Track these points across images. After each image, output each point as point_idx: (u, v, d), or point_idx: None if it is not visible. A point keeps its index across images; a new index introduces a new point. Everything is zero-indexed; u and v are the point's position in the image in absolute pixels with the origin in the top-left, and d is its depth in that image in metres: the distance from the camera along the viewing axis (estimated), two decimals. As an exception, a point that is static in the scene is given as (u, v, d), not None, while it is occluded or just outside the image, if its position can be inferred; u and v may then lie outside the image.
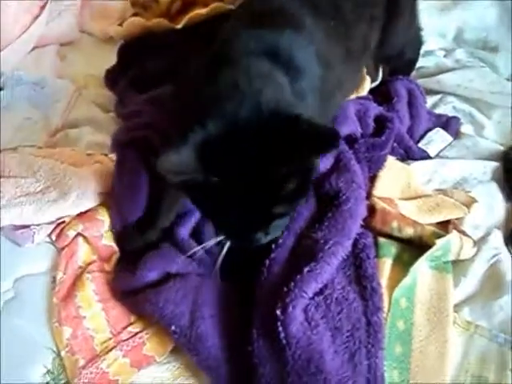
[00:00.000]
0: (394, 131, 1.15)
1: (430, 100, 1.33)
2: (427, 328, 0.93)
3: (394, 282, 0.97)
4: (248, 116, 0.79)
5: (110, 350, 0.96)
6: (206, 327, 0.92)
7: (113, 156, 1.14)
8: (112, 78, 1.33)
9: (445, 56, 1.42)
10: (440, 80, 1.33)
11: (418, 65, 1.36)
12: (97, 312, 1.00)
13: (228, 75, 0.86)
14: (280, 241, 0.97)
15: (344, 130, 1.11)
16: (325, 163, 1.08)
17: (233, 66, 0.88)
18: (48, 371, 0.95)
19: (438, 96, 1.34)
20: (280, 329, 0.85)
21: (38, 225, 1.07)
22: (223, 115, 0.80)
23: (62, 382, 0.94)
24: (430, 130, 1.26)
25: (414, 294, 0.97)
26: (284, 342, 0.85)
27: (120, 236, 1.08)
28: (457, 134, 1.26)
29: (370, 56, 1.19)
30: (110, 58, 1.35)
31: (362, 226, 1.01)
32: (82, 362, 0.95)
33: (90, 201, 1.09)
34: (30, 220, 1.07)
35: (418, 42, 1.32)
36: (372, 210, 1.04)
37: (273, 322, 0.86)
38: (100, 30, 1.44)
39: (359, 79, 1.23)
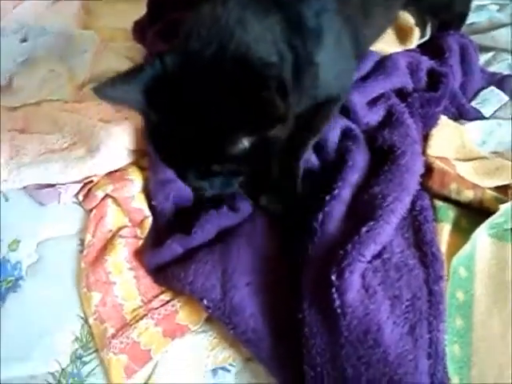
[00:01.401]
0: (449, 87, 1.04)
1: (483, 57, 1.19)
2: (489, 300, 0.82)
3: (453, 250, 0.86)
4: (209, 60, 0.72)
5: (141, 318, 0.87)
6: (241, 297, 0.82)
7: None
8: (140, 29, 1.21)
9: (498, 10, 1.28)
10: (494, 36, 1.20)
11: (468, 20, 1.23)
12: (128, 279, 0.91)
13: (207, 13, 0.78)
14: (335, 192, 0.86)
15: (395, 82, 1.00)
16: (375, 116, 0.98)
17: (217, 4, 0.78)
18: (76, 338, 0.87)
19: (491, 53, 1.20)
20: (335, 296, 0.74)
21: (64, 184, 0.98)
22: (183, 53, 0.74)
23: (92, 350, 0.86)
24: (483, 88, 1.14)
25: (473, 264, 0.86)
26: (339, 311, 0.74)
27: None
28: (512, 93, 1.14)
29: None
30: (138, 11, 1.24)
31: (419, 185, 0.90)
32: (111, 331, 0.86)
33: (119, 159, 0.99)
34: (56, 179, 0.98)
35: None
36: (429, 169, 0.93)
37: (327, 289, 0.75)
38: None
39: (394, 17, 1.11)
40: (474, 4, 1.23)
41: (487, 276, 0.85)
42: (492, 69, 1.19)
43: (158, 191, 0.95)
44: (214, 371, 0.84)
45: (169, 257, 0.90)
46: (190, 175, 0.79)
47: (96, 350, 0.85)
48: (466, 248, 0.85)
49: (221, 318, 0.83)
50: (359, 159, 0.92)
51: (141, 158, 1.01)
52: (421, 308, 0.77)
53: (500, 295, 0.83)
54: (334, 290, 0.75)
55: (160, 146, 0.78)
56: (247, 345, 0.82)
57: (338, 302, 0.74)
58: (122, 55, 1.16)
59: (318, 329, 0.76)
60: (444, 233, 0.87)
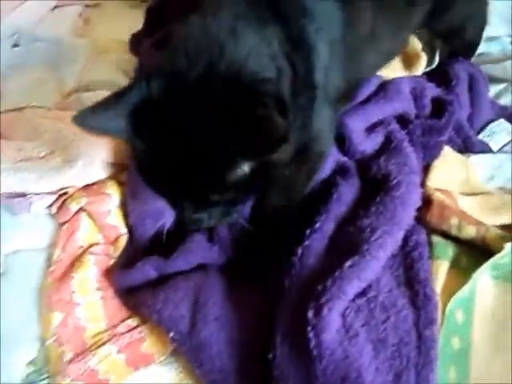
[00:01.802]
0: (454, 116, 0.96)
1: (494, 89, 1.12)
2: (489, 349, 0.73)
3: (450, 291, 0.77)
4: (197, 80, 0.64)
5: (103, 344, 0.78)
6: (209, 332, 0.74)
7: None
8: (138, 42, 1.15)
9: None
10: (506, 67, 1.13)
11: (480, 50, 1.16)
12: (93, 300, 0.82)
13: (195, 25, 0.69)
14: (317, 225, 0.78)
15: (396, 107, 0.92)
16: (372, 143, 0.90)
17: (207, 15, 0.70)
18: (31, 361, 0.78)
19: (503, 85, 1.12)
20: (311, 335, 0.66)
21: (38, 194, 0.91)
22: (169, 73, 0.65)
23: (45, 375, 0.77)
24: (492, 121, 1.06)
25: (473, 307, 0.76)
26: (315, 352, 0.65)
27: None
28: (523, 128, 1.06)
29: (421, 20, 0.97)
30: (137, 24, 1.18)
31: (414, 220, 0.81)
32: (69, 356, 0.78)
33: (97, 172, 0.92)
34: (31, 188, 0.90)
35: (481, 19, 1.10)
36: (428, 201, 0.85)
37: (302, 327, 0.67)
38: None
39: (405, 42, 1.03)
40: (486, 35, 1.16)
41: (488, 322, 0.75)
42: (503, 101, 1.11)
43: (135, 210, 0.88)
44: (178, 408, 0.75)
45: (141, 280, 0.82)
46: (186, 208, 0.71)
47: (49, 376, 0.77)
48: (465, 289, 0.76)
49: (186, 354, 0.75)
50: (347, 192, 0.84)
51: (120, 172, 0.93)
52: (408, 354, 0.68)
53: (502, 344, 0.73)
54: (309, 328, 0.66)
55: (150, 177, 0.70)
56: None
57: (313, 342, 0.66)
58: (115, 67, 1.10)
59: (289, 372, 0.68)
60: (440, 271, 0.78)
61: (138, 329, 0.80)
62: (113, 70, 1.09)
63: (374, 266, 0.72)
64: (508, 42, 1.21)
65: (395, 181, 0.82)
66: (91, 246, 0.87)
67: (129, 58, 1.14)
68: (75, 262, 0.85)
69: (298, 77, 0.72)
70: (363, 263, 0.71)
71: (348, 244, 0.75)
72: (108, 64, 1.10)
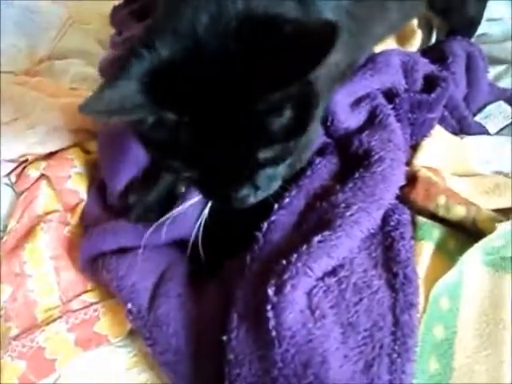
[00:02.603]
0: (447, 93, 0.86)
1: (493, 70, 1.02)
2: (476, 341, 0.63)
3: (434, 275, 0.67)
4: (209, 26, 0.53)
5: (54, 320, 0.70)
6: (168, 309, 0.67)
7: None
8: (118, 13, 1.08)
9: (513, 24, 1.12)
10: (507, 47, 1.03)
11: (480, 30, 1.07)
12: (46, 271, 0.75)
13: None
14: (285, 201, 0.70)
15: (384, 80, 0.82)
16: (356, 120, 0.80)
17: None
18: (-28, 340, 0.70)
19: (503, 66, 1.03)
20: (270, 314, 0.57)
21: (-3, 161, 0.83)
22: (174, 28, 0.54)
23: (-13, 353, 0.69)
24: (490, 103, 0.96)
25: (459, 294, 0.66)
26: (273, 333, 0.56)
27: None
28: (523, 111, 0.96)
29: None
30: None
31: (397, 198, 0.72)
32: (15, 331, 0.70)
33: (61, 138, 0.84)
34: (-12, 154, 0.83)
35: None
36: (413, 179, 0.75)
37: (262, 306, 0.58)
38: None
39: (409, 16, 0.94)
40: (487, 16, 1.07)
41: (476, 312, 0.66)
42: (503, 84, 1.01)
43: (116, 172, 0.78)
44: (127, 394, 0.66)
45: (111, 246, 0.73)
46: (232, 181, 0.59)
47: (-10, 355, 0.69)
48: (452, 274, 0.66)
49: (141, 330, 0.67)
50: (321, 168, 0.75)
51: (85, 140, 0.85)
52: (382, 341, 0.59)
53: (490, 336, 0.63)
54: (269, 306, 0.58)
55: (182, 156, 0.57)
56: (165, 368, 0.65)
57: (272, 322, 0.57)
58: (92, 37, 1.02)
59: (245, 356, 0.59)
60: (424, 253, 0.68)
61: (94, 306, 0.73)
62: (88, 40, 1.02)
63: (346, 244, 0.63)
64: (510, 23, 1.11)
65: (377, 156, 0.73)
66: (48, 214, 0.79)
67: (107, 30, 1.07)
68: (30, 231, 0.78)
69: None
70: (334, 239, 0.62)
71: (319, 219, 0.66)
72: (84, 33, 1.03)
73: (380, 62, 0.84)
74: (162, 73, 0.52)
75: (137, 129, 0.58)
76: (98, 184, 0.82)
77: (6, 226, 0.80)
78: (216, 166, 0.56)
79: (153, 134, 0.56)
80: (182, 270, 0.72)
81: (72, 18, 1.04)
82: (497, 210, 0.75)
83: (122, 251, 0.72)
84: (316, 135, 0.77)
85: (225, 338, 0.60)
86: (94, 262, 0.73)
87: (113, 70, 0.55)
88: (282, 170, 0.62)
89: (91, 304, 0.73)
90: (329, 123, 0.79)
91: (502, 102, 0.96)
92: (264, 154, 0.56)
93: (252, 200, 0.61)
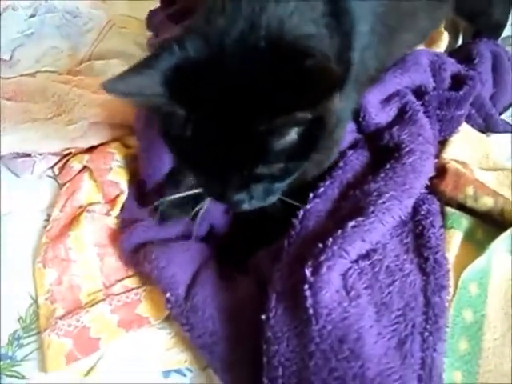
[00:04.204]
0: (475, 91, 0.90)
1: (520, 72, 1.06)
2: (504, 325, 0.67)
3: (463, 263, 0.71)
4: (239, 40, 0.57)
5: (98, 302, 0.75)
6: (204, 296, 0.70)
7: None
8: (154, 18, 1.13)
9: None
10: (533, 49, 1.07)
11: (505, 33, 1.10)
12: (90, 257, 0.79)
13: None
14: (320, 190, 0.74)
15: (414, 78, 0.86)
16: (387, 116, 0.84)
17: None
18: (20, 318, 0.75)
19: (530, 68, 1.07)
20: (307, 293, 0.61)
21: (41, 154, 0.89)
22: (205, 34, 0.58)
23: (33, 332, 0.74)
24: (516, 103, 1.00)
25: (487, 281, 0.70)
26: (311, 311, 0.60)
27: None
28: (548, 113, 0.99)
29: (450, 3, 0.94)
30: (154, 3, 1.16)
31: (426, 190, 0.76)
32: (60, 312, 0.74)
33: (103, 133, 0.89)
34: (34, 148, 0.89)
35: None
36: (442, 171, 0.79)
37: (299, 286, 0.62)
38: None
39: (438, 23, 0.98)
40: (512, 19, 1.10)
41: (504, 297, 0.69)
42: (529, 85, 1.04)
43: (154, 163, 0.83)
44: (166, 373, 0.71)
45: (152, 238, 0.78)
46: (228, 185, 0.62)
47: (38, 333, 0.73)
48: (481, 261, 0.70)
49: (179, 317, 0.71)
50: (354, 160, 0.79)
51: (125, 135, 0.90)
52: (414, 320, 0.62)
53: (515, 324, 0.67)
54: (306, 286, 0.61)
55: (187, 150, 0.61)
56: (202, 350, 0.69)
57: (310, 301, 0.61)
58: (129, 39, 1.08)
59: (283, 333, 0.63)
60: (454, 241, 0.72)
61: (135, 291, 0.77)
62: (127, 42, 1.07)
63: (379, 229, 0.67)
64: (536, 26, 1.14)
65: (407, 148, 0.77)
66: (90, 205, 0.84)
67: (144, 34, 1.12)
68: (73, 221, 0.83)
69: (334, 52, 0.66)
70: (368, 225, 0.66)
71: (352, 206, 0.70)
72: (122, 36, 1.08)
73: (409, 61, 0.88)
74: (184, 70, 0.56)
75: (154, 115, 0.63)
76: (137, 180, 0.87)
77: (49, 215, 0.85)
78: (214, 168, 0.60)
79: (165, 124, 0.61)
80: (215, 263, 0.76)
81: (111, 22, 1.10)
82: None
83: (162, 243, 0.77)
84: (342, 135, 0.80)
85: (263, 316, 0.64)
86: (136, 254, 0.77)
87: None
88: (280, 186, 0.65)
89: (132, 289, 0.76)
90: (360, 119, 0.83)
91: (528, 103, 0.99)
92: (261, 171, 0.60)
93: (246, 206, 0.64)
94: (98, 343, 0.72)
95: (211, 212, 0.78)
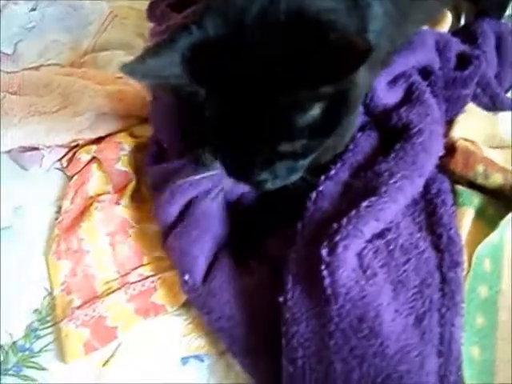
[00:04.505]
0: (480, 70, 0.90)
1: (523, 49, 1.06)
2: (518, 301, 0.68)
3: (476, 240, 0.71)
4: (259, 16, 0.56)
5: (113, 291, 0.75)
6: (221, 280, 0.71)
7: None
8: (155, 8, 1.13)
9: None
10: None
11: (508, 11, 1.10)
12: (103, 247, 0.80)
13: None
14: (331, 172, 0.74)
15: (419, 58, 0.86)
16: (394, 97, 0.84)
17: None
18: (36, 310, 0.76)
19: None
20: (325, 273, 0.61)
21: (48, 147, 0.89)
22: (225, 12, 0.57)
23: (49, 324, 0.74)
24: (520, 81, 1.00)
25: (501, 256, 0.71)
26: (329, 291, 0.61)
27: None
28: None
29: None
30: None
31: (436, 167, 0.76)
32: (77, 303, 0.75)
33: (110, 123, 0.90)
34: (41, 141, 0.89)
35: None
36: (451, 149, 0.79)
37: (315, 266, 0.62)
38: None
39: (445, 4, 0.97)
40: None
41: (516, 272, 0.70)
42: (534, 64, 1.04)
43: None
44: (185, 359, 0.72)
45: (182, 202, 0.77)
46: (252, 164, 0.61)
47: (54, 324, 0.74)
48: (494, 237, 0.71)
49: (196, 301, 0.72)
50: (363, 142, 0.79)
51: (134, 125, 0.91)
52: (431, 296, 0.63)
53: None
54: (323, 266, 0.62)
55: (208, 132, 0.60)
56: (220, 334, 0.70)
57: (328, 281, 0.61)
58: (131, 30, 1.07)
59: (302, 314, 0.63)
60: (466, 218, 0.73)
61: (150, 278, 0.77)
62: (129, 33, 1.07)
63: (392, 208, 0.67)
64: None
65: (416, 129, 0.77)
66: (100, 195, 0.84)
67: (146, 24, 1.12)
68: (84, 211, 0.83)
69: (353, 29, 0.64)
70: (381, 204, 0.66)
71: (364, 187, 0.70)
72: (124, 27, 1.08)
73: (415, 42, 0.88)
74: (203, 49, 0.55)
75: (172, 96, 0.61)
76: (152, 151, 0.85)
77: (59, 207, 0.85)
78: (237, 148, 0.59)
79: (185, 106, 0.60)
80: (230, 249, 0.76)
81: (113, 13, 1.10)
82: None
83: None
84: (357, 117, 0.80)
85: (281, 299, 0.65)
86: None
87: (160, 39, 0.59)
88: (303, 164, 0.64)
89: (147, 277, 0.77)
90: (368, 101, 0.83)
91: (534, 80, 0.99)
92: (284, 148, 0.59)
93: (270, 186, 0.63)
94: (116, 332, 0.72)
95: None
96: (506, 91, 0.98)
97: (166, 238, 0.75)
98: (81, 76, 0.94)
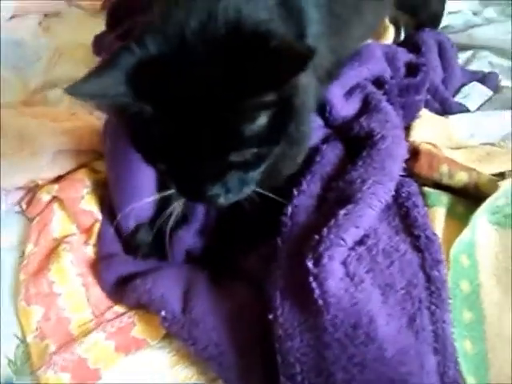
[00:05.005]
0: (429, 76, 0.94)
1: (462, 56, 1.11)
2: (498, 290, 0.69)
3: (450, 238, 0.73)
4: (198, 31, 0.57)
5: (90, 332, 0.72)
6: (202, 307, 0.70)
7: (99, 113, 0.93)
8: (101, 42, 1.12)
9: (474, 14, 1.22)
10: (471, 34, 1.12)
11: (444, 23, 1.16)
12: (75, 288, 0.77)
13: None
14: (303, 186, 0.75)
15: (371, 69, 0.90)
16: (352, 107, 0.87)
17: None
18: (9, 362, 0.71)
19: (470, 51, 1.12)
20: (314, 285, 0.61)
21: (6, 190, 0.85)
22: (165, 30, 0.58)
23: (27, 373, 0.70)
24: (464, 85, 1.05)
25: (475, 251, 0.72)
26: (320, 302, 0.60)
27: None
28: (496, 89, 1.05)
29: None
30: (99, 29, 1.14)
31: (403, 172, 0.78)
32: (53, 348, 0.71)
33: (68, 161, 0.87)
34: (-2, 184, 0.85)
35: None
36: (415, 153, 0.82)
37: (303, 279, 0.62)
38: (90, 2, 1.24)
39: (382, 17, 1.03)
40: (448, 10, 1.17)
41: (493, 265, 0.72)
42: (472, 67, 1.10)
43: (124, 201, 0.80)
44: (175, 391, 0.68)
45: (131, 270, 0.77)
46: (203, 178, 0.61)
47: (31, 373, 0.69)
48: (466, 234, 0.73)
49: (179, 333, 0.70)
50: (329, 154, 0.81)
51: (94, 160, 0.88)
52: (419, 296, 0.64)
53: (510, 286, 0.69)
54: (311, 278, 0.62)
55: (157, 149, 0.60)
56: (210, 363, 0.68)
57: (318, 292, 0.61)
58: (80, 65, 1.05)
59: (294, 329, 0.63)
60: (438, 217, 0.75)
61: (127, 314, 0.74)
62: (78, 69, 1.04)
63: (369, 214, 0.68)
64: (470, 14, 1.22)
65: (379, 135, 0.79)
66: (65, 237, 0.81)
67: (92, 58, 1.11)
68: (50, 254, 0.80)
69: (291, 37, 0.67)
70: (358, 210, 0.67)
71: (340, 196, 0.72)
72: (72, 62, 1.06)
73: (364, 54, 0.92)
74: (146, 67, 0.56)
75: (119, 117, 0.62)
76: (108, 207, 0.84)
77: (23, 252, 0.81)
78: (187, 162, 0.60)
79: (132, 123, 0.60)
80: (205, 274, 0.75)
81: (59, 50, 1.07)
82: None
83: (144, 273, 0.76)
84: (310, 127, 0.81)
85: (270, 316, 0.64)
86: (118, 287, 0.76)
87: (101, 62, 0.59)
88: (254, 175, 0.65)
89: (124, 313, 0.74)
90: (327, 114, 0.85)
91: (475, 83, 1.04)
92: (235, 158, 0.60)
93: (222, 201, 0.63)
94: (99, 373, 0.69)
95: (184, 239, 0.78)
96: (453, 96, 1.04)
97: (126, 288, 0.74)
98: (35, 115, 0.91)
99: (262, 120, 0.59)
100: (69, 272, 0.77)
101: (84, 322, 0.74)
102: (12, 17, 1.17)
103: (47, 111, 0.93)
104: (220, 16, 0.58)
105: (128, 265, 0.78)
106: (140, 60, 0.56)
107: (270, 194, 0.70)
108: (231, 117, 0.56)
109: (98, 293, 0.76)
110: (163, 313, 0.70)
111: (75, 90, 0.55)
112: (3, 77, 1.01)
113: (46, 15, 1.20)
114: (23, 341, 0.73)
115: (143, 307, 0.73)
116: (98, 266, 0.79)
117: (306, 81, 0.70)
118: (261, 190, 0.69)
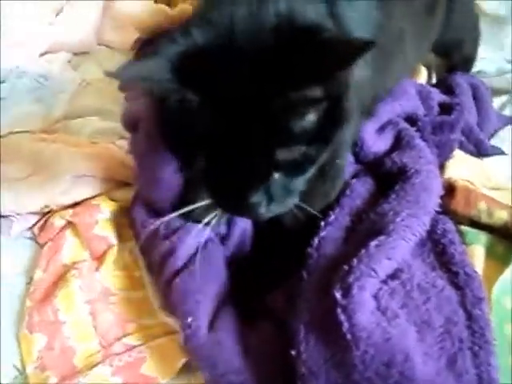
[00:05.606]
0: (464, 115, 0.92)
1: (497, 101, 1.09)
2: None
3: (491, 278, 0.68)
4: (247, 21, 0.57)
5: (96, 365, 0.67)
6: (228, 332, 0.65)
7: (121, 143, 0.92)
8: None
9: (507, 62, 1.20)
10: (505, 78, 1.11)
11: (475, 68, 1.15)
12: (82, 316, 0.73)
13: None
14: (331, 218, 0.71)
15: (404, 106, 0.87)
16: (384, 144, 0.84)
17: None
18: (7, 392, 0.66)
19: (505, 96, 1.10)
20: (342, 318, 0.56)
21: (18, 214, 0.83)
22: (212, 20, 0.58)
23: (23, 406, 0.65)
24: (499, 129, 1.02)
25: (519, 293, 0.68)
26: (349, 336, 0.55)
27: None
28: (534, 135, 1.02)
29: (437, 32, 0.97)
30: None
31: (439, 208, 0.74)
32: (53, 380, 0.66)
33: (86, 188, 0.85)
34: (8, 209, 0.83)
35: (476, 31, 1.10)
36: (450, 190, 0.78)
37: (330, 312, 0.57)
38: (119, 41, 1.25)
39: (422, 57, 1.01)
40: (479, 56, 1.16)
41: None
42: (507, 112, 1.07)
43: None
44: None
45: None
46: (248, 181, 0.58)
47: (30, 408, 0.64)
48: (507, 275, 0.67)
49: (198, 351, 0.64)
50: (359, 188, 0.78)
51: (113, 189, 0.86)
52: (460, 335, 0.58)
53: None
54: (339, 310, 0.57)
55: (198, 139, 0.57)
56: None
57: (346, 325, 0.56)
58: (106, 95, 1.05)
59: (319, 366, 0.57)
60: (477, 255, 0.71)
61: (138, 348, 0.69)
62: (103, 99, 1.05)
63: (402, 246, 0.64)
64: (501, 60, 1.20)
65: (413, 170, 0.76)
66: (76, 263, 0.78)
67: (117, 92, 1.10)
68: (58, 281, 0.76)
69: None
70: (391, 242, 0.63)
71: (371, 228, 0.68)
72: (97, 93, 1.06)
73: (397, 91, 0.89)
74: (192, 56, 0.55)
75: (161, 105, 0.59)
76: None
77: (31, 278, 0.78)
78: (231, 156, 0.56)
79: (174, 114, 0.58)
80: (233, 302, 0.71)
81: (86, 81, 1.08)
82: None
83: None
84: (346, 161, 0.79)
85: (293, 352, 0.59)
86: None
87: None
88: (299, 184, 0.62)
89: (134, 346, 0.69)
90: (358, 149, 0.83)
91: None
92: (282, 155, 0.57)
93: (263, 211, 0.60)
94: (102, 411, 0.64)
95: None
96: (488, 139, 1.00)
97: (169, 283, 0.69)
98: (53, 141, 0.90)
99: (311, 117, 0.56)
100: (76, 299, 0.73)
101: (90, 354, 0.69)
102: (43, 53, 1.19)
103: (68, 138, 0.92)
104: (270, 7, 0.57)
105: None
106: (186, 49, 0.55)
107: (312, 210, 0.67)
108: (279, 110, 0.54)
109: (106, 321, 0.72)
110: (189, 319, 0.65)
111: (117, 72, 0.53)
112: (27, 111, 1.01)
113: (75, 54, 1.22)
114: (22, 372, 0.68)
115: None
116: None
117: (352, 105, 0.68)
118: (303, 205, 0.65)
